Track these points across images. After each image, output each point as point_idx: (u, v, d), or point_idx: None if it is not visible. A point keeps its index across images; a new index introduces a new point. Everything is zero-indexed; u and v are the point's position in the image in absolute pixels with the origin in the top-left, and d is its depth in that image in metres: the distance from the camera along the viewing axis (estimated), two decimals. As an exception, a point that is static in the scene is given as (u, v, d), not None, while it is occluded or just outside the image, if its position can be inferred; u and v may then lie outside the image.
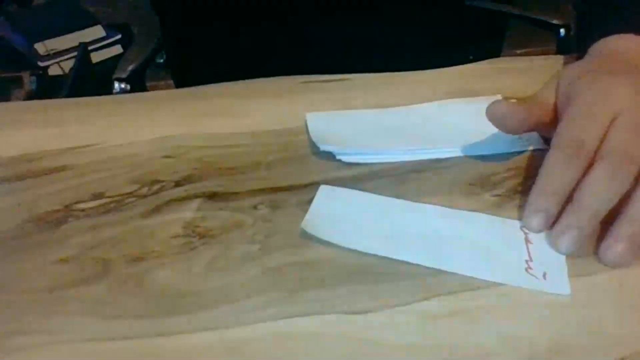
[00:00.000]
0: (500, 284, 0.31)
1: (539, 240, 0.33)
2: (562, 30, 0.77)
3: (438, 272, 0.32)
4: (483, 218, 0.35)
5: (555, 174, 0.33)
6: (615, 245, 0.31)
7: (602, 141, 0.33)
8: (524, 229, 0.34)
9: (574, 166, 0.33)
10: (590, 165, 0.33)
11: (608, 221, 0.32)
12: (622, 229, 0.31)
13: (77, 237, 0.35)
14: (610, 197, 0.32)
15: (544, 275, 0.31)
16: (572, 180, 0.33)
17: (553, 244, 0.32)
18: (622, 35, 0.42)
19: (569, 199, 0.33)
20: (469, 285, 0.31)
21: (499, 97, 0.46)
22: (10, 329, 0.29)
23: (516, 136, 0.41)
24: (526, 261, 0.32)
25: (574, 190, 0.33)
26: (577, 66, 0.39)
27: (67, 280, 0.32)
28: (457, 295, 0.30)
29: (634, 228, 0.31)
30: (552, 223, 0.33)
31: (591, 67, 0.38)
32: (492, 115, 0.37)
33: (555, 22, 0.78)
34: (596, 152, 0.33)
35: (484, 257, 0.32)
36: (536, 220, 0.33)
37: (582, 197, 0.32)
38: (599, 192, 0.32)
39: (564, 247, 0.32)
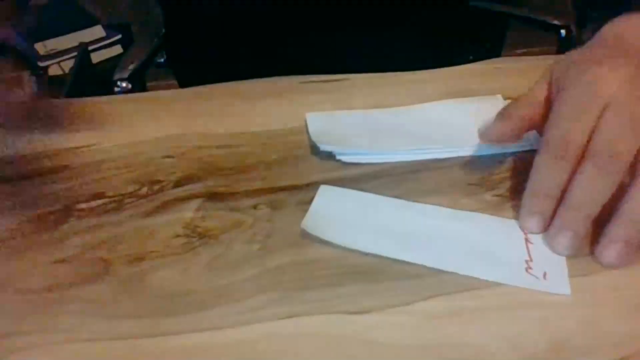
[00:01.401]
0: (500, 284, 0.31)
1: (539, 240, 0.33)
2: (562, 32, 0.77)
3: (438, 272, 0.32)
4: (483, 218, 0.35)
5: (545, 175, 0.33)
6: (611, 246, 0.31)
7: (591, 135, 0.33)
8: None
9: (562, 166, 0.33)
10: (580, 162, 0.32)
11: (604, 218, 0.32)
12: (617, 229, 0.31)
13: (77, 237, 0.35)
14: (600, 197, 0.31)
15: (544, 275, 0.31)
16: (562, 180, 0.33)
17: (550, 246, 0.32)
18: (631, 15, 0.39)
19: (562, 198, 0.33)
20: (469, 285, 0.31)
21: (499, 97, 0.46)
22: (10, 329, 0.29)
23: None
24: (526, 261, 0.32)
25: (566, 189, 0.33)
26: (569, 56, 0.38)
27: (67, 280, 0.32)
28: (457, 295, 0.30)
29: (628, 228, 0.31)
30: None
31: (583, 56, 0.37)
32: (488, 140, 0.38)
33: (555, 22, 0.78)
34: (584, 146, 0.32)
35: (484, 257, 0.32)
36: (532, 223, 0.33)
37: (572, 198, 0.32)
38: (587, 193, 0.31)
39: (560, 249, 0.32)
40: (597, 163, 0.31)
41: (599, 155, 0.32)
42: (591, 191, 0.31)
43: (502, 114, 0.38)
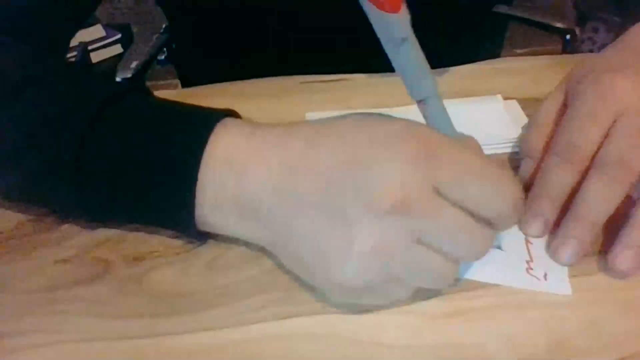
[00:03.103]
0: (501, 285, 0.31)
1: (539, 240, 0.33)
2: (567, 36, 0.77)
3: (438, 272, 0.31)
4: None
5: (551, 179, 0.33)
6: (626, 252, 0.31)
7: (601, 144, 0.32)
8: None
9: (569, 171, 0.32)
10: (588, 170, 0.32)
11: (611, 224, 0.32)
12: (630, 236, 0.31)
13: (77, 237, 0.35)
14: (608, 207, 0.31)
15: (545, 275, 0.31)
16: (568, 185, 0.32)
17: (553, 256, 0.32)
18: None
19: (567, 206, 0.32)
20: (469, 285, 0.31)
21: (499, 97, 0.46)
22: (10, 329, 0.29)
23: (516, 137, 0.41)
24: (527, 262, 0.32)
25: (572, 197, 0.32)
26: (585, 64, 0.38)
27: (67, 280, 0.32)
28: (457, 295, 0.30)
29: None
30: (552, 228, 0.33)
31: (599, 64, 0.37)
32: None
33: (559, 25, 0.78)
34: (594, 156, 0.32)
35: (484, 259, 0.32)
36: (534, 226, 0.33)
37: (579, 208, 0.31)
38: (595, 202, 0.31)
39: (565, 258, 0.32)
40: (606, 172, 0.31)
41: (608, 164, 0.31)
42: (599, 200, 0.31)
43: (525, 151, 0.37)
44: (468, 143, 0.29)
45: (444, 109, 0.29)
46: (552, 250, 0.32)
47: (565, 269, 0.31)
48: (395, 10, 0.24)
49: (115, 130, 0.31)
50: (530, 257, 0.32)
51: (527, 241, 0.33)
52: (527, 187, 0.36)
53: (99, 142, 0.31)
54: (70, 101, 0.32)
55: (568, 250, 0.31)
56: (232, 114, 0.33)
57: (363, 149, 0.27)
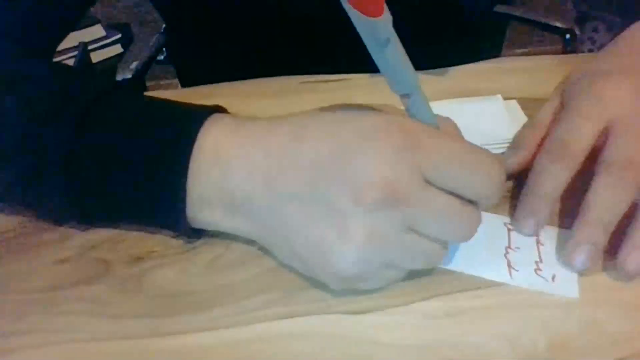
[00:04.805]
0: (501, 284, 0.31)
1: (550, 241, 0.33)
2: (567, 36, 0.77)
3: (438, 272, 0.31)
4: (493, 219, 0.35)
5: (542, 176, 0.33)
6: (634, 254, 0.30)
7: (593, 145, 0.33)
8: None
9: (560, 168, 0.33)
10: (578, 166, 0.32)
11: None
12: (639, 236, 0.31)
13: (77, 237, 0.35)
14: (618, 209, 0.31)
15: (553, 277, 0.31)
16: (560, 182, 0.33)
17: (567, 262, 0.31)
18: None
19: (564, 205, 0.33)
20: (469, 285, 0.31)
21: (499, 97, 0.46)
22: (10, 329, 0.29)
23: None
24: (536, 262, 0.32)
25: (581, 202, 0.32)
26: (580, 68, 0.38)
27: (67, 280, 0.32)
28: (457, 295, 0.30)
29: None
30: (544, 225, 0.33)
31: (594, 67, 0.37)
32: (509, 172, 0.37)
33: (558, 25, 0.78)
34: (584, 153, 0.33)
35: (492, 258, 0.32)
36: (526, 224, 0.33)
37: (589, 211, 0.31)
38: (605, 205, 0.31)
39: (579, 264, 0.31)
40: (613, 173, 0.31)
41: (615, 165, 0.31)
42: (608, 203, 0.31)
43: (516, 144, 0.38)
44: (448, 129, 0.31)
45: (426, 101, 0.30)
46: (565, 256, 0.32)
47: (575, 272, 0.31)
48: (378, 14, 0.25)
49: (104, 128, 0.31)
50: (540, 258, 0.32)
51: (538, 242, 0.33)
52: (511, 177, 0.37)
53: (88, 141, 0.31)
54: (58, 101, 0.32)
55: (582, 256, 0.31)
56: (219, 109, 0.33)
57: (348, 141, 0.28)
